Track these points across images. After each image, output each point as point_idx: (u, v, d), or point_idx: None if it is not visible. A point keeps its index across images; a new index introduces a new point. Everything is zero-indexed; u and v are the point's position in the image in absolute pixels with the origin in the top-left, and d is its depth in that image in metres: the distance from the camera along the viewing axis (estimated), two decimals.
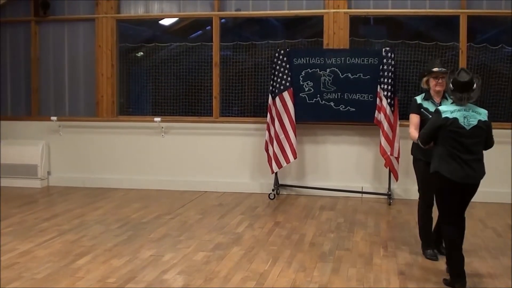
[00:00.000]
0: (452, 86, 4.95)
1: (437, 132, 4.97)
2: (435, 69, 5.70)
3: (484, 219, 7.44)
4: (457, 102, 4.94)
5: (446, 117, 4.90)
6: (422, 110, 5.64)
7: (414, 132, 5.53)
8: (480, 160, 5.00)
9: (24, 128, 9.89)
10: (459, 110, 4.91)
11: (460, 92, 4.90)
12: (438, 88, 5.68)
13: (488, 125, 4.98)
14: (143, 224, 7.18)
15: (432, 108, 5.52)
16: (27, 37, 9.91)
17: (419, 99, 5.75)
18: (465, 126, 4.86)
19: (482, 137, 4.96)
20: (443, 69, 5.70)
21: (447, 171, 4.91)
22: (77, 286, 4.96)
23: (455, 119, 4.87)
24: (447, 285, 4.98)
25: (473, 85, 4.92)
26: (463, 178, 4.89)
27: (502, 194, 8.35)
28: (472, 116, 4.90)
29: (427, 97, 5.73)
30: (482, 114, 4.96)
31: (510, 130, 8.32)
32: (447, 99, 5.64)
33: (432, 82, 5.71)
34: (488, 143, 5.05)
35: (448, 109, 4.96)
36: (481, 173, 5.00)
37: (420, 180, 5.83)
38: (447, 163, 4.92)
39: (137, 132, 9.59)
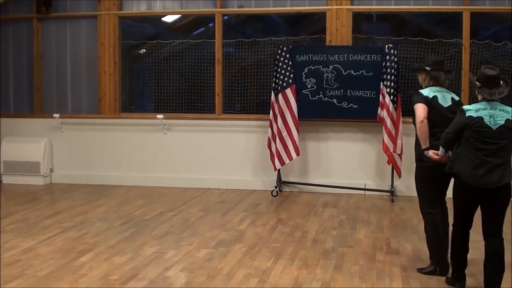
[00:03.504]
0: (479, 82, 4.56)
1: (460, 132, 4.55)
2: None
3: None
4: (488, 97, 4.52)
5: (470, 116, 4.50)
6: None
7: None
8: (506, 164, 4.51)
9: (26, 125, 9.90)
10: (484, 109, 4.51)
11: (489, 88, 4.51)
12: None
13: None
14: (145, 221, 7.18)
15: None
16: (29, 35, 9.91)
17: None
18: (491, 125, 4.45)
19: (510, 138, 4.51)
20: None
21: (468, 177, 4.50)
22: (80, 283, 4.96)
23: (480, 118, 4.47)
24: (447, 283, 4.96)
25: (501, 81, 4.54)
26: (483, 184, 4.46)
27: None
28: (500, 115, 4.48)
29: None
30: (510, 112, 4.52)
31: None
32: None
33: None
34: None
35: (472, 108, 4.55)
36: (505, 177, 4.48)
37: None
38: (467, 166, 4.51)
39: (140, 129, 9.59)
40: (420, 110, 5.11)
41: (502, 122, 4.47)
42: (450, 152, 4.74)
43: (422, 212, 5.38)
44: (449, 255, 5.03)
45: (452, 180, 4.81)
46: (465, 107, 4.61)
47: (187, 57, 9.59)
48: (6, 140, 9.81)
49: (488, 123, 4.47)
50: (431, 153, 4.86)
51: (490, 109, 4.51)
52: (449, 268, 5.07)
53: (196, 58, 9.56)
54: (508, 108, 4.56)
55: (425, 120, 5.05)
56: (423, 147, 5.02)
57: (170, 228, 6.83)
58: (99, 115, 9.73)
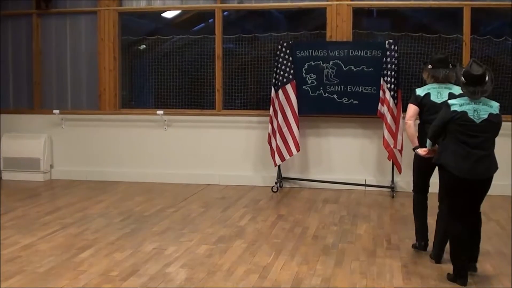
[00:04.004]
0: (464, 79, 4.73)
1: (445, 126, 4.77)
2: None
3: (487, 212, 7.37)
4: (470, 96, 4.70)
5: (455, 110, 4.70)
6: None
7: None
8: (491, 156, 4.81)
9: (26, 121, 9.89)
10: (469, 103, 4.70)
11: (473, 86, 4.68)
12: None
13: (499, 119, 4.79)
14: (146, 217, 7.17)
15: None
16: (29, 30, 9.88)
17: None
18: (474, 119, 4.67)
19: (494, 131, 4.79)
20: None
21: (455, 168, 4.74)
22: (80, 279, 4.96)
23: (464, 113, 4.68)
24: (449, 279, 4.95)
25: (486, 78, 4.69)
26: (472, 175, 4.71)
27: (506, 187, 8.31)
28: (483, 109, 4.69)
29: None
30: (494, 107, 4.76)
31: (511, 123, 8.27)
32: None
33: None
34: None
35: (457, 102, 4.75)
36: (492, 168, 4.82)
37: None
38: (454, 158, 4.75)
39: (140, 125, 9.58)
40: (409, 111, 5.53)
41: (485, 116, 4.69)
42: (436, 145, 5.00)
43: (412, 192, 5.88)
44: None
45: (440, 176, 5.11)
46: (450, 101, 4.82)
47: (187, 53, 9.57)
48: (5, 136, 9.80)
49: (472, 117, 4.68)
50: (419, 151, 5.24)
51: (475, 103, 4.71)
52: (427, 246, 5.66)
53: (196, 54, 9.55)
54: (492, 103, 4.78)
55: (409, 122, 5.47)
56: (412, 146, 5.45)
57: (170, 224, 6.82)
58: (99, 111, 9.72)
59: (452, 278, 4.93)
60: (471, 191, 4.85)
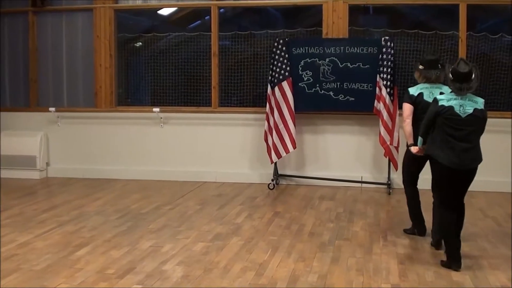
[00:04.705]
0: (452, 76, 5.07)
1: (434, 119, 5.11)
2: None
3: (484, 209, 7.44)
4: (457, 92, 5.05)
5: (442, 105, 5.05)
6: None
7: None
8: (475, 148, 5.12)
9: (22, 119, 9.87)
10: (455, 99, 5.05)
11: (460, 83, 5.02)
12: None
13: (484, 114, 5.12)
14: (142, 214, 7.17)
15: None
16: (25, 28, 9.86)
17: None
18: (460, 114, 5.00)
19: (478, 125, 5.11)
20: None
21: (444, 158, 5.06)
22: (76, 277, 4.95)
23: (451, 107, 5.02)
24: (443, 266, 5.17)
25: (472, 76, 5.03)
26: (458, 165, 5.03)
27: (503, 183, 8.33)
28: (469, 104, 5.03)
29: None
30: (479, 102, 5.08)
31: (510, 119, 8.29)
32: None
33: None
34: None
35: (444, 98, 5.11)
36: (477, 160, 5.13)
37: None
38: (442, 150, 5.08)
39: (136, 123, 9.57)
40: (405, 110, 5.83)
41: (471, 111, 5.02)
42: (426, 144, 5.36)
43: (404, 186, 6.23)
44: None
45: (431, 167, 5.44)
46: (438, 97, 5.18)
47: (183, 50, 9.56)
48: (2, 134, 9.76)
49: (458, 111, 5.02)
50: (412, 149, 5.58)
51: (461, 99, 5.05)
52: (425, 231, 6.06)
53: (192, 51, 9.53)
54: (478, 99, 5.11)
55: (407, 120, 5.76)
56: (408, 143, 5.72)
57: (167, 222, 6.82)
58: (95, 108, 9.70)
59: (446, 264, 5.17)
60: (458, 181, 5.16)
